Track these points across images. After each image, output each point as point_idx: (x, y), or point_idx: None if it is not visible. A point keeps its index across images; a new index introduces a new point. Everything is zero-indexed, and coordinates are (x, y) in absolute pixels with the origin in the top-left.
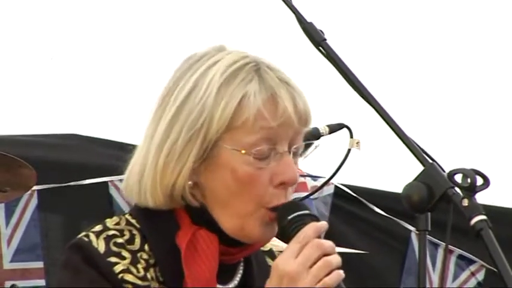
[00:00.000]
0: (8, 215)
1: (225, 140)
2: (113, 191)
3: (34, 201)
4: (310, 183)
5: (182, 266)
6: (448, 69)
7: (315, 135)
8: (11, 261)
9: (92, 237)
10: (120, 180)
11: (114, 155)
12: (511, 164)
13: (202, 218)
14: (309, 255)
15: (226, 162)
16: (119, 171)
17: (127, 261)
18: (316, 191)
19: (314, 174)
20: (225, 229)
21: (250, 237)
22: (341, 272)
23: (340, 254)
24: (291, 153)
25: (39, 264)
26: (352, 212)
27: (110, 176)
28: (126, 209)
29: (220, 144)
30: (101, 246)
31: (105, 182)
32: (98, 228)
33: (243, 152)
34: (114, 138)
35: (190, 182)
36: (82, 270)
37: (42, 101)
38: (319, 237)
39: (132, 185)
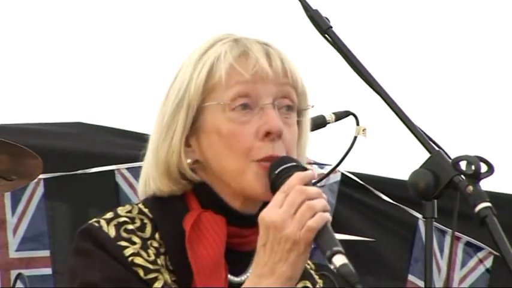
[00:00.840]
0: (14, 203)
1: (207, 104)
2: (119, 179)
3: (40, 190)
4: (317, 171)
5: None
6: (452, 56)
7: (322, 122)
8: (17, 250)
9: (103, 222)
10: (127, 168)
11: (121, 143)
12: None
13: (209, 199)
14: (292, 202)
15: (211, 126)
16: (125, 159)
17: (137, 246)
18: (323, 178)
19: (321, 161)
20: (230, 201)
21: (254, 193)
22: (326, 214)
23: (347, 241)
24: (275, 107)
25: (46, 253)
26: (359, 200)
27: (116, 164)
28: (132, 197)
29: (203, 109)
30: (111, 231)
31: (112, 171)
32: (109, 215)
33: (222, 109)
34: (120, 126)
35: (189, 161)
36: (93, 253)
37: (49, 89)
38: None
39: (143, 183)
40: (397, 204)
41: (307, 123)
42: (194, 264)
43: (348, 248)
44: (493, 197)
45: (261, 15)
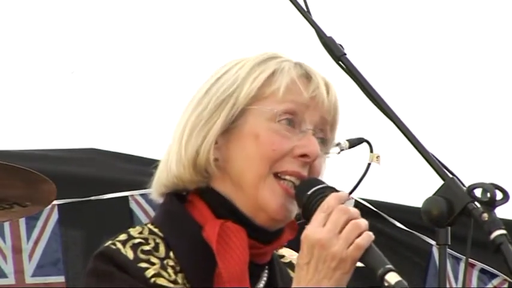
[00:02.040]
0: (29, 229)
1: (253, 108)
2: (133, 205)
3: (55, 216)
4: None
5: (208, 265)
6: (468, 86)
7: (335, 149)
8: (33, 275)
9: (119, 245)
10: (141, 194)
11: (135, 169)
12: None
13: (226, 209)
14: (337, 221)
15: (250, 129)
16: (139, 185)
17: (157, 266)
18: None
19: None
20: (245, 208)
21: (267, 208)
22: (371, 233)
23: (359, 268)
24: (314, 135)
25: (61, 279)
26: (373, 226)
27: (130, 190)
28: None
29: (248, 112)
30: (129, 253)
31: (126, 197)
32: (123, 237)
33: (269, 118)
34: (134, 152)
35: (213, 156)
36: (115, 275)
37: (62, 115)
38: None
39: (159, 173)
40: (411, 231)
41: (323, 165)
42: (225, 273)
43: (362, 275)
44: (508, 224)
45: (275, 42)
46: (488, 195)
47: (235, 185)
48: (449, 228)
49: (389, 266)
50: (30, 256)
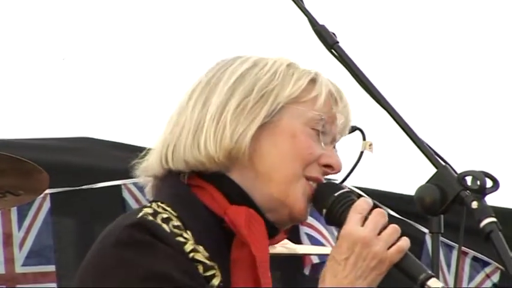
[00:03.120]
0: (21, 218)
1: (291, 108)
2: (125, 194)
3: (47, 205)
4: None
5: (223, 249)
6: (459, 73)
7: None
8: (23, 264)
9: (151, 217)
10: (133, 183)
11: (127, 157)
12: None
13: (242, 197)
14: (377, 222)
15: (288, 127)
16: (132, 174)
17: (191, 241)
18: None
19: (327, 177)
20: (264, 202)
21: (295, 206)
22: (408, 239)
23: None
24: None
25: (52, 268)
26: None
27: (123, 179)
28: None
29: (286, 110)
30: (164, 226)
31: (118, 185)
32: (149, 210)
33: (305, 122)
34: (127, 141)
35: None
36: (157, 245)
37: (53, 103)
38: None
39: (182, 147)
40: (404, 219)
41: None
42: (259, 257)
43: None
44: (498, 212)
45: (268, 30)
46: (479, 183)
47: (262, 178)
48: (442, 216)
49: (430, 272)
50: (21, 245)
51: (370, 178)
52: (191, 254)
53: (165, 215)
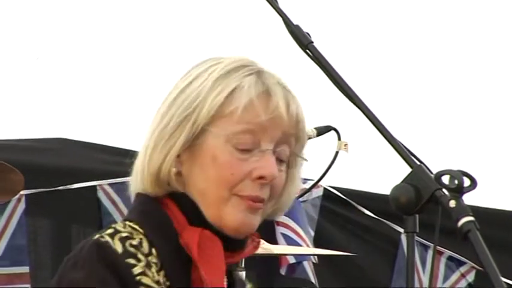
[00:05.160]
0: None
1: (212, 127)
2: (101, 195)
3: (21, 206)
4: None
5: (185, 270)
6: (432, 71)
7: None
8: None
9: (108, 238)
10: (109, 184)
11: (102, 158)
12: (498, 165)
13: (197, 216)
14: None
15: (209, 149)
16: (107, 175)
17: (143, 263)
18: (305, 193)
19: (303, 176)
20: (209, 219)
21: (231, 226)
22: None
23: (330, 256)
24: (275, 153)
25: (25, 269)
26: (342, 214)
27: (98, 180)
28: (114, 213)
29: (207, 131)
30: (118, 246)
31: (94, 186)
32: (110, 230)
33: (226, 140)
34: (102, 142)
35: (174, 169)
36: (96, 270)
37: (27, 103)
38: None
39: (132, 181)
40: (380, 218)
41: (299, 173)
42: (209, 282)
43: (331, 262)
44: (475, 211)
45: (243, 30)
46: (456, 182)
47: (198, 201)
48: (417, 215)
49: None
50: None
51: (346, 178)
52: (138, 277)
53: (124, 234)
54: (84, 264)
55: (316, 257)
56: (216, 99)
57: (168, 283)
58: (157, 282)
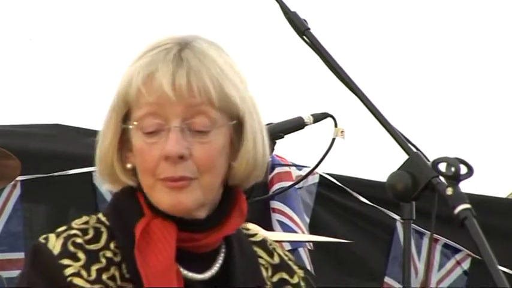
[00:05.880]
0: None
1: (129, 118)
2: (97, 180)
3: (17, 192)
4: (295, 173)
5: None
6: (429, 58)
7: (300, 124)
8: None
9: (52, 237)
10: None
11: None
12: (495, 153)
13: (153, 206)
14: None
15: (133, 141)
16: None
17: (80, 263)
18: (301, 180)
19: (299, 163)
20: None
21: (166, 209)
22: None
23: (325, 243)
24: (184, 129)
25: (20, 255)
26: (337, 201)
27: (94, 166)
28: (109, 198)
29: (128, 122)
30: (56, 247)
31: (89, 172)
32: (63, 228)
33: (136, 127)
34: (98, 127)
35: (129, 165)
36: (27, 274)
37: (25, 90)
38: None
39: None
40: (375, 206)
41: (248, 132)
42: (143, 272)
43: (326, 249)
44: (472, 198)
45: (240, 17)
46: (453, 169)
47: (143, 186)
48: (413, 203)
49: None
50: None
51: (342, 165)
52: (69, 279)
53: (73, 232)
54: (24, 268)
55: (311, 243)
56: (120, 91)
57: (127, 275)
58: (94, 282)
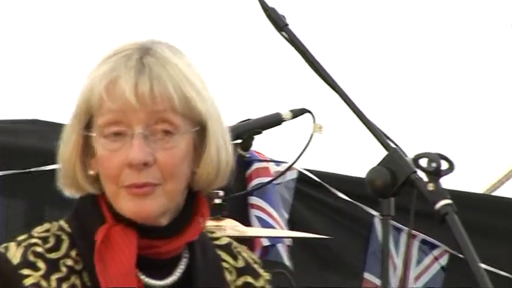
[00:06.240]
0: None
1: (91, 125)
2: None
3: None
4: (273, 169)
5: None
6: (409, 53)
7: (278, 120)
8: None
9: (12, 246)
10: None
11: None
12: (476, 149)
13: (116, 213)
14: None
15: (95, 147)
16: None
17: (40, 273)
18: (279, 176)
19: (277, 159)
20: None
21: (130, 216)
22: None
23: (303, 239)
24: (147, 136)
25: None
26: (316, 197)
27: None
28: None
29: (91, 130)
30: (16, 257)
31: None
32: (23, 236)
33: (99, 135)
34: None
35: (92, 172)
36: None
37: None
38: None
39: None
40: (354, 201)
41: (211, 137)
42: (103, 279)
43: (305, 245)
44: (453, 194)
45: (219, 14)
46: (434, 165)
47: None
48: (392, 199)
49: None
50: None
51: (320, 160)
52: None
53: (34, 240)
54: None
55: (290, 239)
56: (82, 98)
57: (89, 284)
58: None
